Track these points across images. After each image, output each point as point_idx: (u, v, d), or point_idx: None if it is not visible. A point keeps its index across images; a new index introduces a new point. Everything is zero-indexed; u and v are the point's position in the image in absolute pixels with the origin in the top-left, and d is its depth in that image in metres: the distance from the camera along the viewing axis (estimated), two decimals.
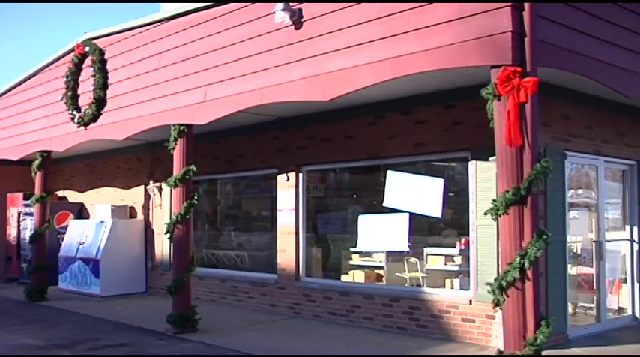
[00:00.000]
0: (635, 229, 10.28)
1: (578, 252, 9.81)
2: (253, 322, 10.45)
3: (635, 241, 10.27)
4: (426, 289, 9.47)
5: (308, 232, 11.25)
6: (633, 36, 7.92)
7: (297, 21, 8.15)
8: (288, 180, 11.24)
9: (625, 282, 10.29)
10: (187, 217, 9.80)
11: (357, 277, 10.46)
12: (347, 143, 10.39)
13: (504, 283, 6.11)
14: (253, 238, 12.91)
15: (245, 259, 12.77)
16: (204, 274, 12.37)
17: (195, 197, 10.00)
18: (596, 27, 7.37)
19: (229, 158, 12.58)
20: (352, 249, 10.53)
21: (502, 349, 6.28)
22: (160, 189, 13.75)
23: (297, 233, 11.14)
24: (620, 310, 10.23)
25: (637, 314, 10.17)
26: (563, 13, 6.85)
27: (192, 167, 9.85)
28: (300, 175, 11.19)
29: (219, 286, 12.47)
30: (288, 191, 11.26)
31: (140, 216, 14.62)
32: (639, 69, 8.08)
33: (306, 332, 9.67)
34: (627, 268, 10.29)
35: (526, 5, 6.18)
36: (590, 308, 9.75)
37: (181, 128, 9.86)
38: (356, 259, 10.63)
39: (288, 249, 11.22)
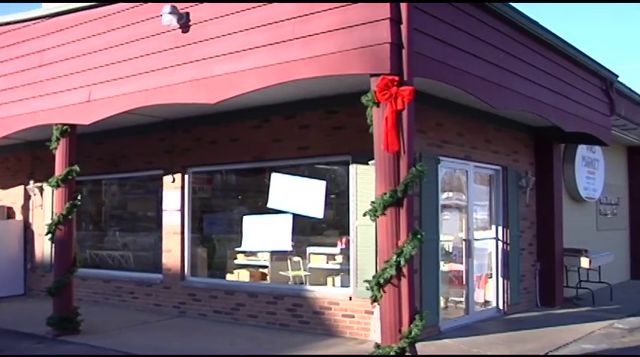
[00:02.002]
0: (500, 228, 10.88)
1: (450, 250, 10.27)
2: (138, 323, 10.16)
3: (500, 240, 10.86)
4: (308, 287, 9.58)
5: (194, 233, 11.09)
6: (498, 51, 8.36)
7: (185, 24, 8.00)
8: (173, 181, 11.04)
9: (491, 277, 10.87)
10: (70, 217, 9.40)
11: (242, 276, 10.42)
12: (233, 145, 10.33)
13: (382, 280, 6.26)
14: (138, 238, 12.57)
15: (130, 259, 12.40)
16: (87, 275, 11.89)
17: (79, 197, 9.60)
18: (467, 42, 7.70)
19: (114, 159, 12.17)
20: (237, 249, 10.48)
21: (379, 342, 6.45)
22: (41, 189, 13.08)
23: (182, 233, 10.97)
24: (486, 303, 10.80)
25: (500, 306, 10.77)
26: (437, 28, 7.12)
27: (76, 167, 9.45)
28: (186, 176, 11.03)
29: (103, 286, 12.04)
30: (173, 192, 11.06)
31: (19, 217, 13.84)
32: (503, 81, 8.51)
33: (191, 331, 9.52)
34: (493, 265, 10.88)
35: (404, 19, 6.38)
36: (460, 302, 10.23)
37: (64, 128, 9.43)
38: (241, 259, 10.59)
39: (173, 249, 11.02)
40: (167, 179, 11.15)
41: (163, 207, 11.22)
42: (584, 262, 12.13)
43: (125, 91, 8.65)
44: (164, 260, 11.16)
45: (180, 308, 10.80)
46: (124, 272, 12.05)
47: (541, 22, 9.28)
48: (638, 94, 13.61)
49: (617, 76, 11.97)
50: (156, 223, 11.68)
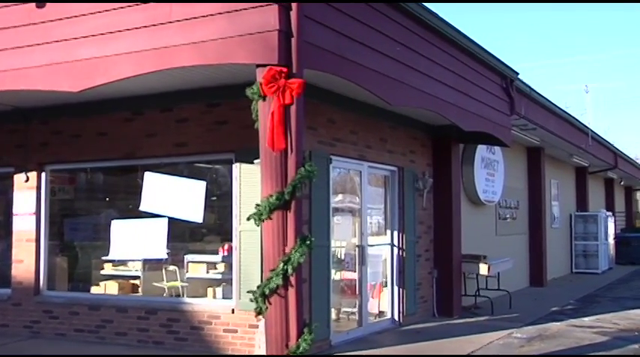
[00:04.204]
0: (396, 233, 11.30)
1: (342, 257, 10.56)
2: None
3: (395, 246, 11.27)
4: (185, 299, 9.58)
5: (52, 240, 10.80)
6: (395, 44, 8.69)
7: None
8: (27, 180, 10.70)
9: (385, 286, 11.27)
10: None
11: (109, 288, 10.26)
12: (100, 140, 10.15)
13: (267, 291, 6.36)
14: None
15: None
16: None
17: None
18: (364, 34, 7.96)
19: None
20: (104, 257, 10.31)
21: None
22: None
23: (37, 241, 10.65)
24: (381, 313, 11.19)
25: (396, 317, 11.19)
26: (331, 17, 7.32)
27: None
28: (43, 174, 10.73)
29: None
30: (27, 193, 10.72)
31: None
32: (401, 77, 8.85)
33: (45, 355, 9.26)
34: (388, 273, 11.28)
35: (293, 5, 6.54)
36: (353, 313, 10.56)
37: None
38: (109, 269, 10.42)
39: (26, 259, 10.67)
40: (19, 178, 10.79)
41: (14, 210, 10.85)
42: (483, 269, 12.78)
43: None
44: (14, 272, 10.78)
45: (33, 328, 10.47)
46: None
47: (442, 16, 9.73)
48: (537, 93, 14.54)
49: (517, 74, 12.73)
50: (4, 229, 11.28)
